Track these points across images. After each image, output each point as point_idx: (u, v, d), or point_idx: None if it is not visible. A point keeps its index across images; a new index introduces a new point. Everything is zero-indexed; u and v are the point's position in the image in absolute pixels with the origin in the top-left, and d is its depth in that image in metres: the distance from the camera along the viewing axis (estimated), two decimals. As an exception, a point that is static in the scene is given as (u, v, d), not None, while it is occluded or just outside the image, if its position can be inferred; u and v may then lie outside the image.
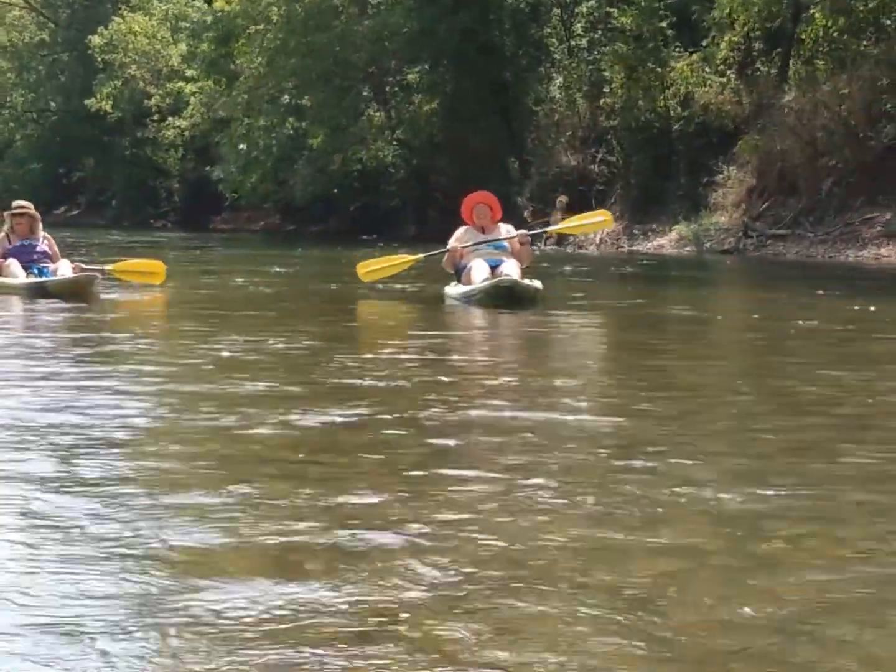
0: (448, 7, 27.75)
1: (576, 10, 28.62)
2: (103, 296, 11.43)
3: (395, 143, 29.85)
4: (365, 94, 30.05)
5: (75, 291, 11.11)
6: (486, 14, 28.20)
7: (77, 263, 11.96)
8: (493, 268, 10.82)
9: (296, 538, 3.33)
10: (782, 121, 21.94)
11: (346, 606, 2.80)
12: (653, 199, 24.28)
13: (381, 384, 6.10)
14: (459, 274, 11.18)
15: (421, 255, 12.14)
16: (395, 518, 3.54)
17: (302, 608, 2.79)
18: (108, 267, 12.26)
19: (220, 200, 37.41)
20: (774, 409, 5.59)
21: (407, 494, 3.80)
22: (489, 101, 28.29)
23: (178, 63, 37.20)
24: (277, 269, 16.44)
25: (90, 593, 2.89)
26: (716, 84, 24.35)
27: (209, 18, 33.58)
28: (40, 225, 12.26)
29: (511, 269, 10.71)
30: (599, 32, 27.82)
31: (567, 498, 3.78)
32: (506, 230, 11.44)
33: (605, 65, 26.38)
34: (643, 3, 24.21)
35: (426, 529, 3.41)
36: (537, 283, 10.69)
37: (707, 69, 24.52)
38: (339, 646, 2.58)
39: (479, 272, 10.73)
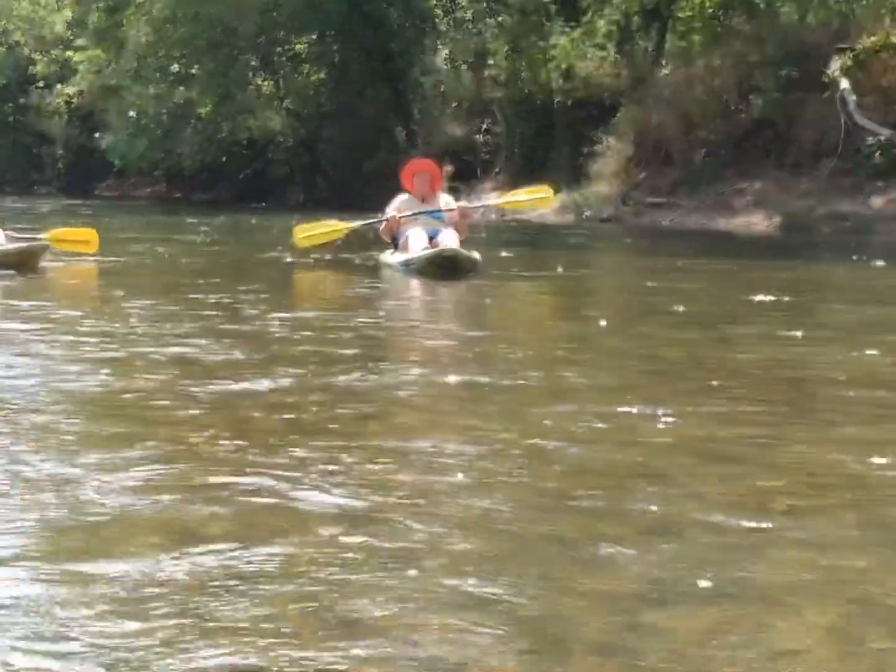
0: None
1: (460, -18, 29.28)
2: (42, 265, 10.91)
3: (283, 112, 30.26)
4: (253, 63, 30.37)
5: (24, 262, 10.55)
6: (372, -15, 28.71)
7: (9, 232, 11.43)
8: (431, 238, 10.80)
9: (236, 499, 3.44)
10: (659, 94, 22.83)
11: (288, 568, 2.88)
12: (536, 169, 24.99)
13: (318, 349, 6.35)
14: (396, 242, 11.16)
15: (358, 223, 12.10)
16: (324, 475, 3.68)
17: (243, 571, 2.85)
18: (41, 235, 11.77)
19: (105, 167, 37.38)
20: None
21: (334, 456, 3.93)
22: (377, 72, 28.84)
23: (63, 30, 37.08)
24: (204, 238, 16.37)
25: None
26: (596, 58, 25.22)
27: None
28: None
29: (450, 240, 10.68)
30: (484, 5, 28.53)
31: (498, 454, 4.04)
32: (444, 202, 11.41)
33: (490, 37, 27.14)
34: (526, -22, 25.03)
35: (357, 491, 3.52)
36: (476, 255, 10.66)
37: (587, 43, 25.37)
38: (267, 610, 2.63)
39: (417, 241, 10.74)
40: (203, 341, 6.51)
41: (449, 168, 25.86)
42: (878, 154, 18.47)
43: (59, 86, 37.15)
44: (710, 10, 23.91)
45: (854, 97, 19.03)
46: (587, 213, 22.64)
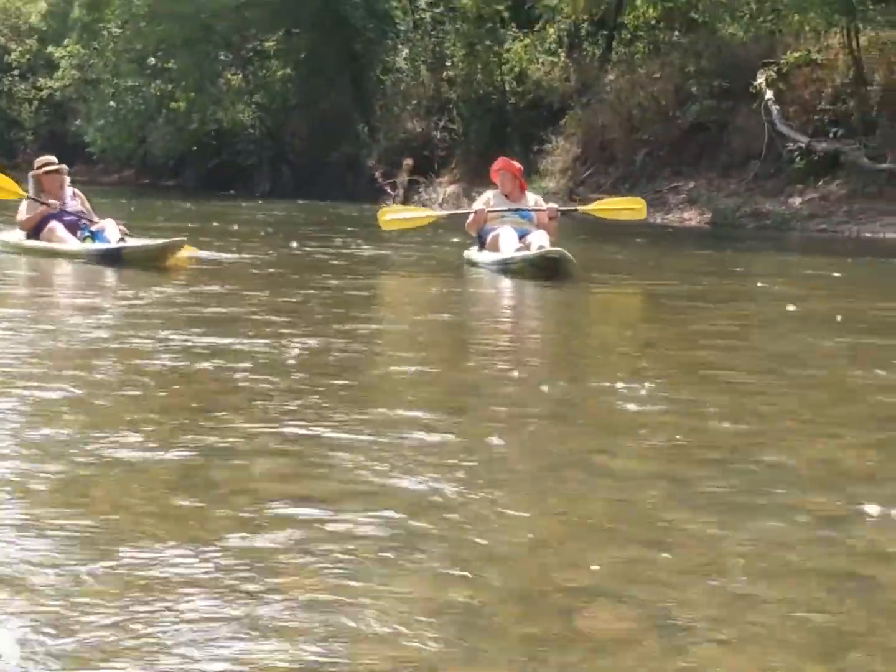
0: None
1: (420, -14, 30.95)
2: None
3: (252, 105, 31.92)
4: (223, 58, 31.91)
5: (158, 258, 9.83)
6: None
7: (121, 227, 10.54)
8: (521, 237, 10.47)
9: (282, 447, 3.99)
10: (604, 98, 24.70)
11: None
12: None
13: (418, 348, 6.70)
14: (482, 239, 10.89)
15: (444, 213, 12.16)
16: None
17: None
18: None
19: (74, 153, 38.68)
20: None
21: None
22: (341, 69, 30.36)
23: (38, 21, 38.50)
24: (268, 229, 16.48)
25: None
26: (547, 63, 27.11)
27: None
28: (68, 180, 10.87)
29: (543, 241, 10.28)
30: (441, 9, 30.22)
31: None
32: (534, 201, 11.22)
33: (448, 41, 28.92)
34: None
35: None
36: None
37: (539, 49, 27.27)
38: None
39: (508, 241, 10.39)
40: (291, 342, 6.30)
41: (409, 162, 27.70)
42: (797, 159, 20.37)
43: (41, 80, 38.66)
44: (653, 23, 25.92)
45: (777, 107, 20.99)
46: (536, 207, 24.40)
